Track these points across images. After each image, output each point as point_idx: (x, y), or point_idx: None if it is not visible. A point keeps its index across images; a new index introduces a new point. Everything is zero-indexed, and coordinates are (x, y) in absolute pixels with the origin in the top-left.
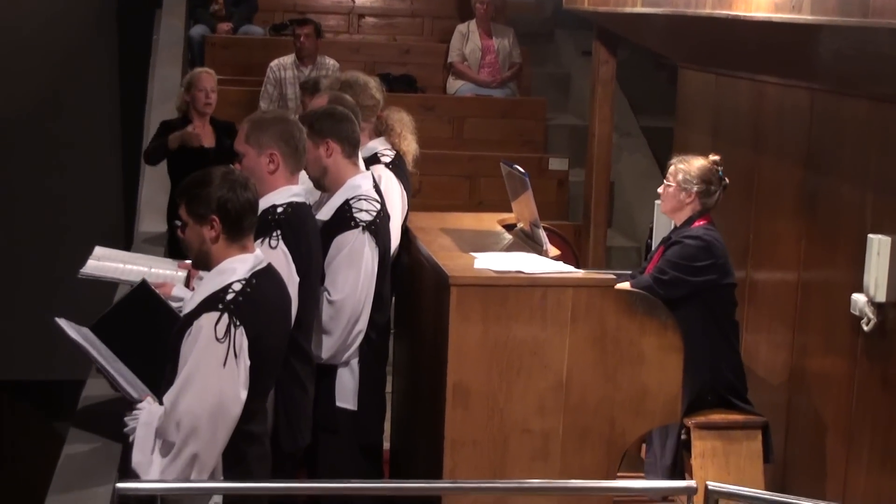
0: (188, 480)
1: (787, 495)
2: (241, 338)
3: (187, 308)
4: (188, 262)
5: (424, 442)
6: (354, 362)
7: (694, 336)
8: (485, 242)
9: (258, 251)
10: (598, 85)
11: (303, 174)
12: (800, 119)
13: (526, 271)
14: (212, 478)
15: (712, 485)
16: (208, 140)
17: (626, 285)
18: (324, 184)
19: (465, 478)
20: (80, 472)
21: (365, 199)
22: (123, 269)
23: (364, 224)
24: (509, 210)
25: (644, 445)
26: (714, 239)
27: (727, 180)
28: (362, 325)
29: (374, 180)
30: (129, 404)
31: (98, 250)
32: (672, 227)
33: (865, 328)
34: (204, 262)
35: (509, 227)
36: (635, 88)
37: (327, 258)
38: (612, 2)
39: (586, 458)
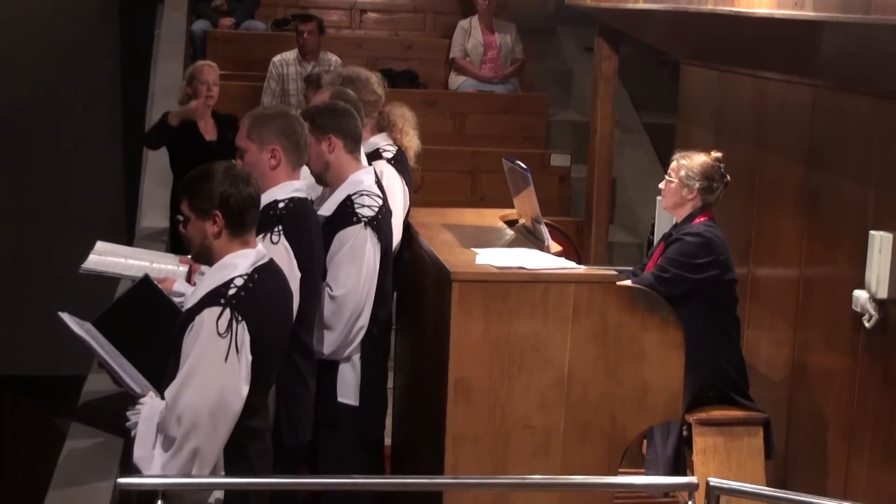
0: (189, 475)
1: (788, 491)
2: (242, 333)
3: (189, 303)
4: (190, 257)
5: (426, 437)
6: (356, 358)
7: (695, 332)
8: (486, 238)
9: (260, 246)
10: (600, 81)
11: (304, 169)
12: (802, 116)
13: (527, 267)
14: (213, 473)
15: (714, 481)
16: (210, 134)
17: (627, 283)
18: (326, 179)
19: (466, 473)
20: (82, 467)
21: (367, 195)
22: (125, 263)
23: (366, 220)
24: (511, 206)
25: (645, 442)
26: (715, 236)
27: (729, 177)
28: (364, 320)
29: (377, 176)
30: (131, 399)
31: (99, 245)
32: (673, 223)
33: (867, 325)
34: (206, 258)
35: (511, 223)
36: (637, 85)
37: (329, 254)
38: None
39: (587, 454)
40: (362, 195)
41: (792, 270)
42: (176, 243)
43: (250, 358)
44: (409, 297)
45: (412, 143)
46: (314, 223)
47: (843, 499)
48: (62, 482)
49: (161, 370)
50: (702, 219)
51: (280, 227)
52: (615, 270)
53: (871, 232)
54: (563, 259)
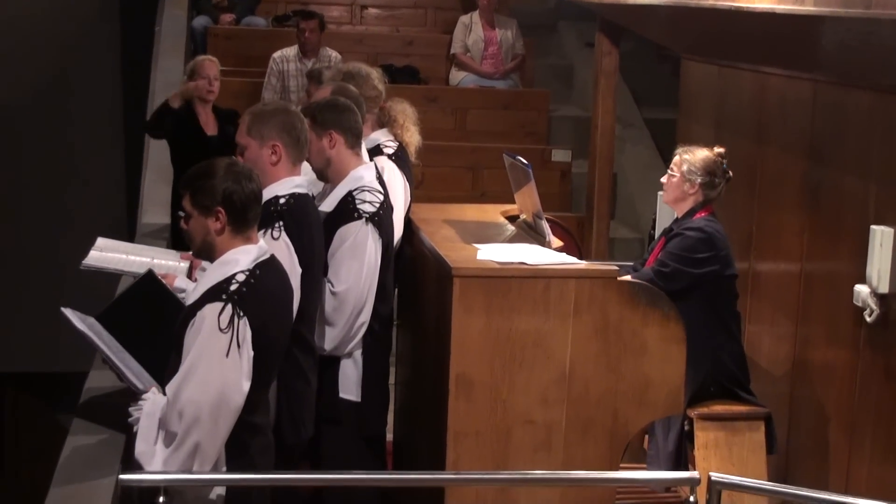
0: (190, 471)
1: (789, 486)
2: (244, 328)
3: (191, 299)
4: (190, 253)
5: (427, 433)
6: (358, 353)
7: (696, 327)
8: (487, 234)
9: (262, 242)
10: (601, 76)
11: (306, 165)
12: (803, 110)
13: (529, 262)
14: (215, 469)
15: (715, 476)
16: (211, 128)
17: (627, 278)
18: (327, 175)
19: (467, 469)
20: (84, 464)
21: (368, 191)
22: (126, 260)
23: (367, 215)
24: (512, 201)
25: (647, 437)
26: (715, 231)
27: (731, 173)
28: (365, 316)
29: (377, 171)
30: (134, 395)
31: (100, 241)
32: (674, 218)
33: (868, 319)
34: (207, 254)
35: (512, 219)
36: (638, 80)
37: (330, 249)
38: None
39: (589, 449)
40: (363, 191)
41: (793, 265)
42: (177, 239)
43: (252, 354)
44: (410, 292)
45: (413, 138)
46: (315, 219)
47: (845, 493)
48: (64, 479)
49: (165, 366)
50: (703, 214)
51: (281, 223)
52: (616, 266)
53: (872, 227)
54: (564, 254)
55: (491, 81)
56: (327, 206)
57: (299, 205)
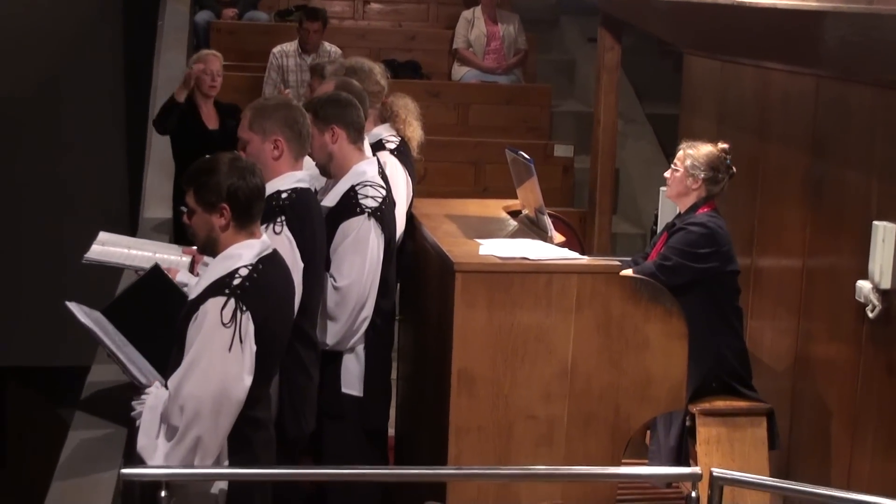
0: (192, 465)
1: (791, 482)
2: (247, 323)
3: (193, 293)
4: (193, 247)
5: (429, 428)
6: (360, 348)
7: (698, 323)
8: (490, 229)
9: (264, 237)
10: (603, 72)
11: (308, 160)
12: (805, 106)
13: (531, 258)
14: (217, 463)
15: (717, 471)
16: (212, 122)
17: (628, 272)
18: (329, 170)
19: (469, 464)
20: (86, 458)
21: (370, 186)
22: (128, 254)
23: (369, 210)
24: (514, 196)
25: (648, 432)
26: (718, 226)
27: (734, 169)
28: (368, 311)
29: (380, 166)
30: (137, 389)
31: (102, 235)
32: (676, 213)
33: (870, 315)
34: (211, 249)
35: (514, 214)
36: (640, 75)
37: (333, 244)
38: None
39: (591, 444)
40: (366, 186)
41: (795, 260)
42: (179, 234)
43: (254, 348)
44: (412, 287)
45: (415, 133)
46: (317, 214)
47: (847, 489)
48: (66, 473)
49: (168, 360)
50: (705, 209)
51: (283, 218)
52: (618, 261)
53: (875, 222)
54: (566, 249)
55: (493, 77)
56: (330, 200)
57: (301, 199)
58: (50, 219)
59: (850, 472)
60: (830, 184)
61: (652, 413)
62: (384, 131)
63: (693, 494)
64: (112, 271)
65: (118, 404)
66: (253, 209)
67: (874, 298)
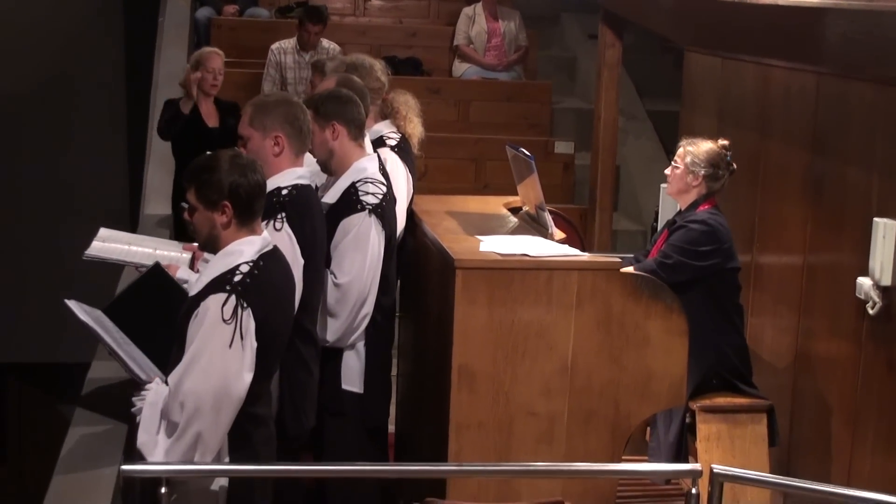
0: (192, 461)
1: (791, 478)
2: (248, 319)
3: (194, 290)
4: (194, 244)
5: (430, 425)
6: (360, 345)
7: (698, 320)
8: (490, 225)
9: (265, 233)
10: (603, 68)
11: (308, 156)
12: (806, 102)
13: (531, 254)
14: (217, 460)
15: (717, 468)
16: (212, 120)
17: (629, 270)
18: (330, 167)
19: (470, 461)
20: (86, 454)
21: (371, 182)
22: (128, 250)
23: (370, 207)
24: (515, 193)
25: (648, 429)
26: (719, 224)
27: (734, 165)
28: (368, 308)
29: (380, 163)
30: (137, 385)
31: (103, 232)
32: (677, 210)
33: (871, 312)
34: (213, 246)
35: (515, 211)
36: (641, 72)
37: (333, 241)
38: None
39: (591, 441)
40: (366, 182)
41: (796, 257)
42: (180, 230)
43: (255, 345)
44: (412, 284)
45: (416, 130)
46: (317, 210)
47: (847, 485)
48: (66, 469)
49: (169, 356)
50: (706, 206)
51: (283, 214)
52: (619, 258)
53: (875, 219)
54: (566, 246)
55: (494, 73)
56: (330, 197)
57: (302, 196)
58: (50, 215)
59: (850, 469)
60: (831, 180)
61: (652, 410)
62: (385, 128)
63: (693, 491)
64: (113, 267)
65: (118, 401)
66: (254, 206)
67: (875, 295)
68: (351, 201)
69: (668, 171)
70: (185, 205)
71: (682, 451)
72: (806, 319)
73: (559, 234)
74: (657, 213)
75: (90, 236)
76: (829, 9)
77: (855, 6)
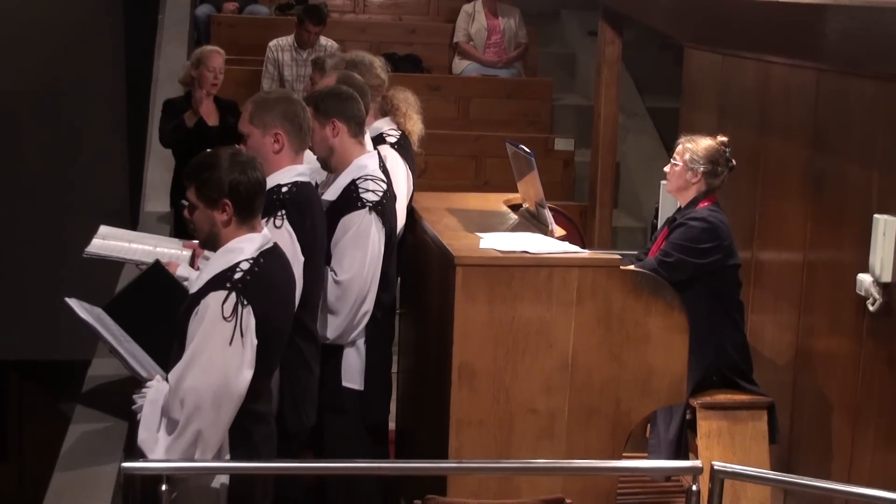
0: (192, 458)
1: (792, 475)
2: (248, 317)
3: (194, 287)
4: (194, 241)
5: (430, 422)
6: (360, 342)
7: (699, 317)
8: (490, 222)
9: (265, 231)
10: (603, 65)
11: (309, 153)
12: (806, 99)
13: (531, 251)
14: (218, 457)
15: (718, 465)
16: (212, 119)
17: (630, 268)
18: (330, 164)
19: (470, 457)
20: (87, 452)
21: (371, 180)
22: (129, 248)
23: (371, 204)
24: (515, 190)
25: (648, 426)
26: (719, 221)
27: (734, 162)
28: (369, 305)
29: (381, 160)
30: (139, 383)
31: (103, 229)
32: (677, 207)
33: (871, 308)
34: (213, 244)
35: (515, 208)
36: (641, 69)
37: (334, 238)
38: None
39: (592, 437)
40: (366, 180)
41: (796, 254)
42: (180, 228)
43: (255, 342)
44: (412, 281)
45: (416, 127)
46: (317, 207)
47: (848, 482)
48: (66, 466)
49: (169, 354)
50: (706, 203)
51: (283, 212)
52: (619, 255)
53: (876, 215)
54: (566, 243)
55: (494, 70)
56: (330, 194)
57: (302, 193)
58: (51, 212)
59: (850, 466)
60: (831, 177)
61: (653, 406)
62: (385, 125)
63: (693, 488)
64: (113, 265)
65: (119, 398)
66: (254, 203)
67: (875, 292)
68: (351, 198)
69: (667, 169)
70: (185, 202)
71: (683, 448)
72: (806, 316)
73: (559, 231)
74: (657, 210)
75: (90, 234)
76: (829, 5)
77: (855, 2)
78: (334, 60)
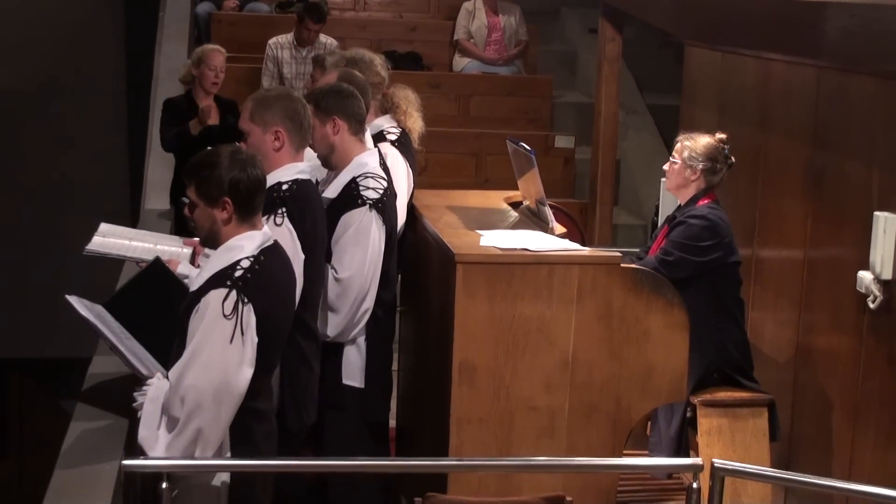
0: (193, 456)
1: (792, 473)
2: (248, 315)
3: (195, 285)
4: (194, 239)
5: (430, 420)
6: (361, 340)
7: (699, 314)
8: (491, 220)
9: (266, 228)
10: (604, 62)
11: (309, 151)
12: (806, 97)
13: (532, 249)
14: (219, 455)
15: (718, 462)
16: (212, 118)
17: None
18: (331, 161)
19: (471, 455)
20: (87, 449)
21: (372, 177)
22: (129, 245)
23: (371, 202)
24: (515, 188)
25: (649, 423)
26: (718, 218)
27: (733, 159)
28: (369, 302)
29: (381, 158)
30: (139, 381)
31: (103, 227)
32: (677, 205)
33: (871, 305)
34: (213, 242)
35: (515, 205)
36: (641, 66)
37: (334, 236)
38: None
39: (592, 435)
40: (367, 177)
41: (796, 252)
42: (180, 225)
43: (256, 340)
44: (413, 279)
45: (416, 125)
46: (318, 205)
47: (848, 480)
48: (67, 464)
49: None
50: (706, 201)
51: (283, 209)
52: (619, 252)
53: (876, 213)
54: (567, 241)
55: (494, 68)
56: (331, 192)
57: (302, 191)
58: (51, 210)
59: (851, 463)
60: (831, 175)
61: (653, 404)
62: (385, 122)
63: (694, 485)
64: (113, 263)
65: (119, 395)
66: (254, 201)
67: (875, 289)
68: (351, 196)
69: (666, 167)
70: (185, 200)
71: (683, 445)
72: (807, 314)
73: (560, 229)
74: (658, 208)
75: (91, 231)
76: (829, 3)
77: (855, 0)
78: (335, 58)
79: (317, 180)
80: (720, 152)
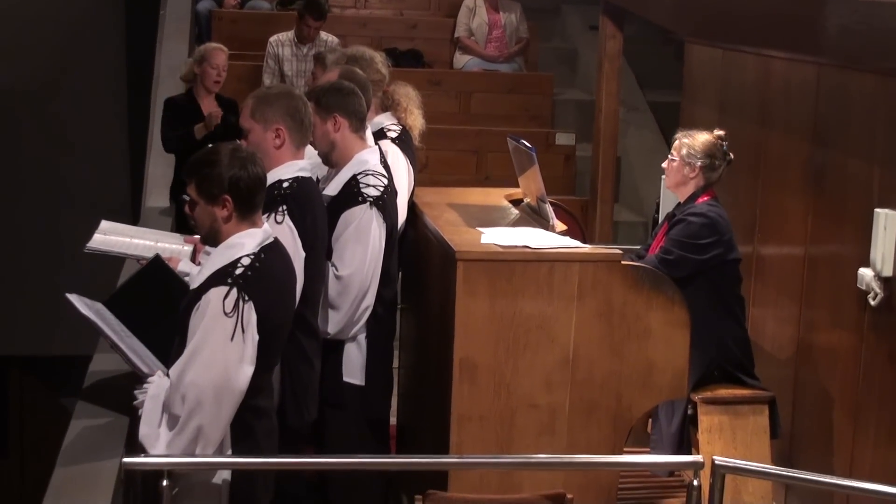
0: (193, 454)
1: (793, 470)
2: (249, 312)
3: (195, 282)
4: (195, 236)
5: (431, 417)
6: (361, 337)
7: (700, 312)
8: (491, 217)
9: (266, 226)
10: (604, 60)
11: (310, 149)
12: (806, 94)
13: (532, 246)
14: (220, 452)
15: (719, 459)
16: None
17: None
18: (331, 159)
19: (471, 453)
20: (88, 447)
21: (372, 175)
22: (130, 243)
23: (371, 199)
24: (516, 185)
25: (650, 421)
26: (718, 215)
27: (731, 155)
28: (370, 300)
29: (382, 155)
30: (139, 378)
31: (104, 224)
32: (677, 202)
33: (872, 303)
34: (214, 239)
35: (516, 202)
36: (642, 63)
37: (334, 234)
38: None
39: (593, 432)
40: (367, 175)
41: (797, 249)
42: (181, 223)
43: (256, 337)
44: (414, 276)
45: (416, 122)
46: (318, 203)
47: (849, 477)
48: (68, 461)
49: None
50: (705, 198)
51: (284, 207)
52: (620, 249)
53: (876, 210)
54: (567, 238)
55: (495, 65)
56: (331, 189)
57: (303, 188)
58: (52, 208)
59: (852, 460)
60: (832, 172)
61: (654, 401)
62: (386, 120)
63: (695, 483)
64: (114, 260)
65: (120, 393)
66: (255, 199)
67: (876, 286)
68: (352, 193)
69: (665, 165)
70: (186, 198)
71: (684, 442)
72: (807, 310)
73: (560, 226)
74: (658, 205)
75: (91, 229)
76: (829, 0)
77: None
78: (335, 56)
79: (317, 178)
80: (718, 149)
